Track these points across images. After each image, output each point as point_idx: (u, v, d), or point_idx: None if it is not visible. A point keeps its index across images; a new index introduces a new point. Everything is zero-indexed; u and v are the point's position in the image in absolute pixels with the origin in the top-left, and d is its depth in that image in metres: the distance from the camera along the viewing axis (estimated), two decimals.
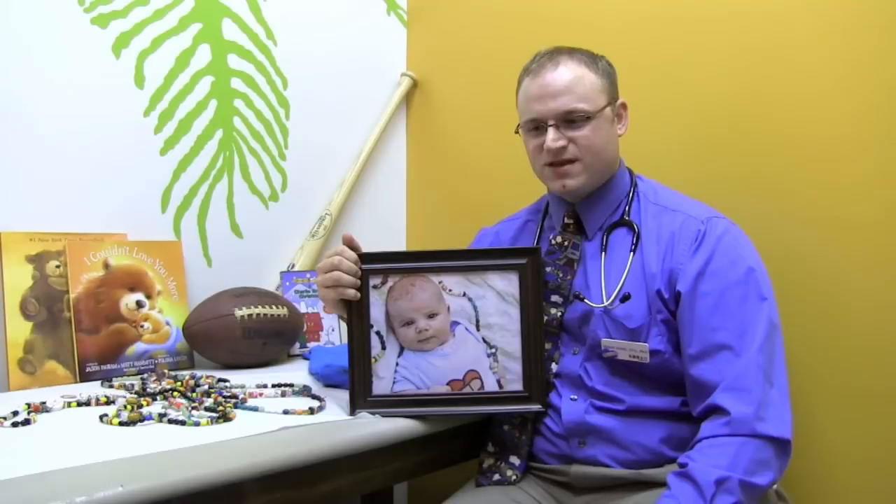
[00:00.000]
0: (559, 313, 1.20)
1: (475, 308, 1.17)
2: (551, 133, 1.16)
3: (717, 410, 1.05)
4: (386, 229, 2.04)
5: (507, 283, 1.17)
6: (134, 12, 1.56)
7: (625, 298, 1.14)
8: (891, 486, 1.25)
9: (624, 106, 1.24)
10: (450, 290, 1.17)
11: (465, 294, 1.17)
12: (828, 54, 1.32)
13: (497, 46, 1.83)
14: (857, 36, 1.28)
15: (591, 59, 1.20)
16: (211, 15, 1.68)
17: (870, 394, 1.27)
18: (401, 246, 2.07)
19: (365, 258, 1.17)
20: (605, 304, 1.15)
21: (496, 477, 1.19)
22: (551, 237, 1.25)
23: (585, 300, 1.17)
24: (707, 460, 1.00)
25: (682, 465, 1.01)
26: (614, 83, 1.22)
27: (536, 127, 1.19)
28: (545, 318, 1.19)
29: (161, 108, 1.61)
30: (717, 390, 1.05)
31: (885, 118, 1.25)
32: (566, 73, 1.17)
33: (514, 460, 1.20)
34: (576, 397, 1.17)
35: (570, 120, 1.16)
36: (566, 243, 1.22)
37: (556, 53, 1.20)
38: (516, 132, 1.26)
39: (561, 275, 1.21)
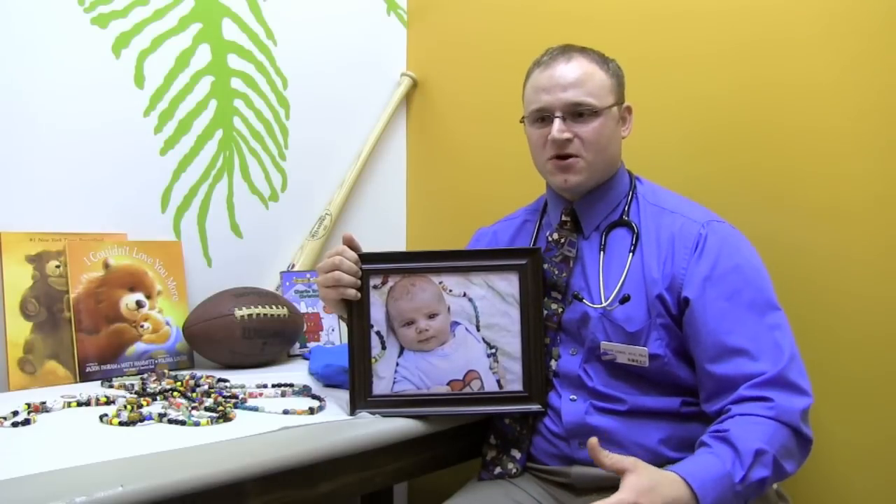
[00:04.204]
0: (560, 309, 1.20)
1: (475, 308, 1.17)
2: (557, 124, 1.17)
3: (754, 399, 1.04)
4: (386, 229, 2.04)
5: (507, 284, 1.17)
6: (134, 12, 1.56)
7: (624, 300, 1.14)
8: (888, 484, 1.25)
9: (629, 109, 1.25)
10: (450, 291, 1.17)
11: (465, 294, 1.17)
12: (826, 49, 1.32)
13: (497, 46, 1.83)
14: (855, 31, 1.28)
15: (602, 59, 1.22)
16: (211, 15, 1.68)
17: (869, 390, 1.27)
18: (401, 246, 2.07)
19: (365, 258, 1.17)
20: (604, 304, 1.15)
21: (497, 470, 1.20)
22: (548, 234, 1.25)
23: (584, 301, 1.17)
24: (745, 432, 1.00)
25: (719, 432, 1.01)
26: (622, 85, 1.24)
27: (542, 118, 1.20)
28: (546, 313, 1.19)
29: (161, 108, 1.61)
30: (744, 386, 1.04)
31: (884, 113, 1.25)
32: (577, 68, 1.18)
33: (515, 453, 1.20)
34: (575, 397, 1.17)
35: (577, 113, 1.17)
36: (562, 240, 1.23)
37: (568, 49, 1.22)
38: (521, 122, 1.25)
39: (557, 272, 1.21)
